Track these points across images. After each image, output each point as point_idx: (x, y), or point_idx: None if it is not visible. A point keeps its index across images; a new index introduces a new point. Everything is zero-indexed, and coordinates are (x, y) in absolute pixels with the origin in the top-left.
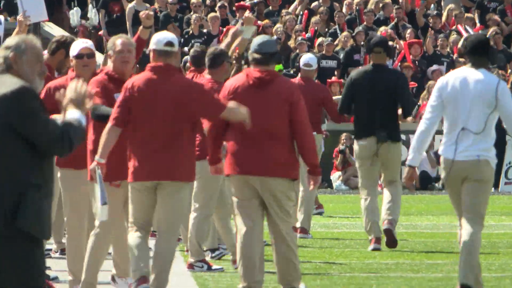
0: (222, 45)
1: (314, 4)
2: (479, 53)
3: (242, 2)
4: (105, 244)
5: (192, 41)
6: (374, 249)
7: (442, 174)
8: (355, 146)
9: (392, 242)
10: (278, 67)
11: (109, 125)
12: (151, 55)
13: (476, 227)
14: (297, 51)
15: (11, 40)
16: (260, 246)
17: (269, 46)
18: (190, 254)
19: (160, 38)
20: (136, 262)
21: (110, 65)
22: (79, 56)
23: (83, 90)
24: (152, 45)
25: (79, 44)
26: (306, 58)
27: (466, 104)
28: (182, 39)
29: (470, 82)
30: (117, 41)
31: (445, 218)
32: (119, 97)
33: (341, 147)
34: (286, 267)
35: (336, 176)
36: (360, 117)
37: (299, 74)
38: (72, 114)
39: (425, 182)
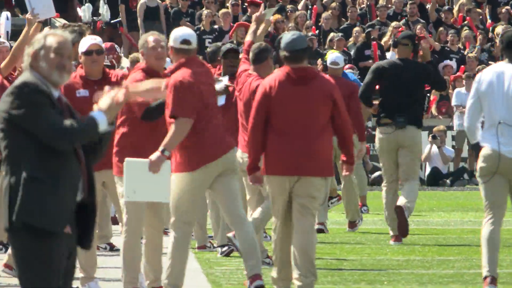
0: (250, 34)
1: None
2: None
3: None
4: (134, 246)
5: (203, 37)
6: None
7: (483, 165)
8: (376, 137)
9: (403, 228)
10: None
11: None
12: (170, 52)
13: None
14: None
15: (35, 37)
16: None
17: (300, 42)
18: None
19: (177, 35)
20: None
21: (142, 62)
22: (88, 53)
23: (119, 99)
24: (170, 42)
25: (88, 41)
26: (333, 56)
27: (502, 98)
28: None
29: (506, 77)
30: (149, 38)
31: (456, 214)
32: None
33: None
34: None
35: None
36: (386, 104)
37: (327, 72)
38: (96, 114)
39: (437, 178)
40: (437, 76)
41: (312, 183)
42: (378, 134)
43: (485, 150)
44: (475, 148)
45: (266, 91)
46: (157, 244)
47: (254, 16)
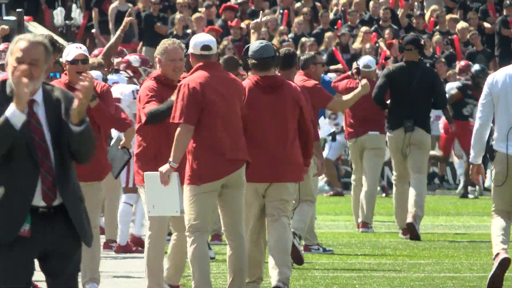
0: (253, 41)
1: (297, 5)
2: None
3: (228, 3)
4: (158, 252)
5: None
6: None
7: (497, 168)
8: (387, 137)
9: (414, 236)
10: None
11: (182, 125)
12: (190, 57)
13: None
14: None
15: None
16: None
17: (267, 51)
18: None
19: (197, 42)
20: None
21: (158, 69)
22: (73, 62)
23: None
24: (190, 49)
25: (74, 50)
26: (365, 60)
27: None
28: None
29: None
30: (169, 48)
31: (427, 218)
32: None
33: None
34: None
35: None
36: (395, 109)
37: (359, 76)
38: (9, 111)
39: None
40: (440, 88)
41: (286, 188)
42: (388, 134)
43: (497, 155)
44: (489, 151)
45: None
46: (183, 246)
47: (252, 24)
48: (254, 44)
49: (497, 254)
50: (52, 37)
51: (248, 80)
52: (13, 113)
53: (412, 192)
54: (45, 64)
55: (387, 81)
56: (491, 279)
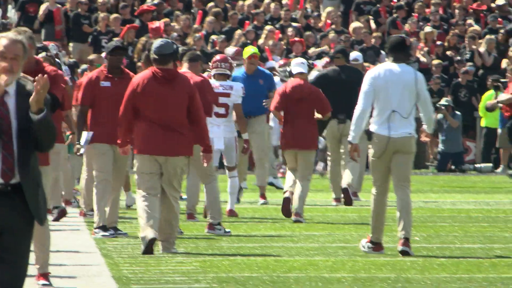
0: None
1: (210, 5)
2: (398, 50)
3: (144, 6)
4: None
5: (100, 37)
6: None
7: (375, 147)
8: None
9: (348, 201)
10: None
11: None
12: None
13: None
14: (195, 46)
15: None
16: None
17: (167, 48)
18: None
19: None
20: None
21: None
22: None
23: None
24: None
25: None
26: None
27: (396, 91)
28: (91, 36)
29: (395, 74)
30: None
31: (322, 195)
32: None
33: None
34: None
35: None
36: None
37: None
38: None
39: None
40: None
41: (178, 161)
42: (328, 126)
43: (376, 136)
44: (367, 133)
45: (134, 88)
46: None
47: None
48: (157, 41)
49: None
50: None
51: (147, 71)
52: None
53: (347, 172)
54: (23, 60)
55: (322, 81)
56: None
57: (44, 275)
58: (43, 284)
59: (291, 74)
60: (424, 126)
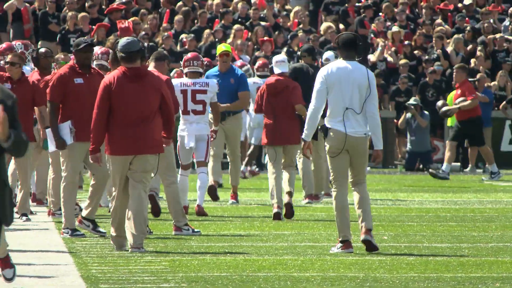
0: None
1: (179, 4)
2: (349, 47)
3: (113, 5)
4: None
5: (68, 36)
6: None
7: (332, 143)
8: None
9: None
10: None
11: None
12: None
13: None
14: (163, 45)
15: None
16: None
17: (134, 45)
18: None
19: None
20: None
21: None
22: None
23: None
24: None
25: None
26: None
27: (349, 89)
28: (59, 35)
29: (347, 71)
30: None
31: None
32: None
33: None
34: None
35: None
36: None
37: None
38: None
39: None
40: None
41: (147, 159)
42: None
43: (333, 133)
44: (323, 130)
45: (108, 87)
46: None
47: None
48: (123, 39)
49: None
50: None
51: (117, 70)
52: None
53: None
54: None
55: (294, 74)
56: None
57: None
58: None
59: (271, 72)
60: (374, 143)
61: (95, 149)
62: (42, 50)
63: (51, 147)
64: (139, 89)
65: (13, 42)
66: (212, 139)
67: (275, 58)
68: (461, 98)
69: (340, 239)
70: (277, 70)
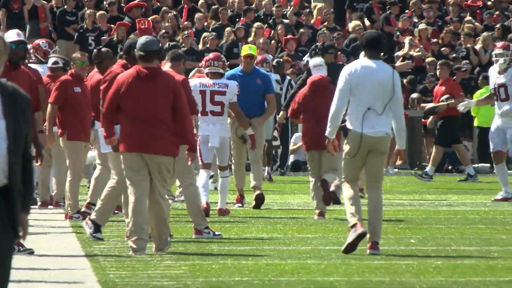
0: None
1: (201, 2)
2: (373, 46)
3: (133, 2)
4: None
5: (86, 35)
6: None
7: (350, 144)
8: None
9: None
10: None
11: None
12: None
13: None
14: (183, 44)
15: None
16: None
17: (152, 45)
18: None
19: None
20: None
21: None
22: None
23: None
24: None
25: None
26: (314, 61)
27: (372, 89)
28: (77, 33)
29: (371, 70)
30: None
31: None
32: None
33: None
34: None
35: None
36: None
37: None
38: None
39: (298, 166)
40: None
41: (160, 161)
42: None
43: (351, 133)
44: (343, 129)
45: (119, 85)
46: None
47: None
48: (142, 38)
49: (355, 225)
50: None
51: (132, 69)
52: None
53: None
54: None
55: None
56: (347, 247)
57: None
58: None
59: (309, 74)
60: (397, 143)
61: (109, 136)
62: (104, 50)
63: (105, 147)
64: (149, 88)
65: (38, 41)
66: (252, 149)
67: (312, 62)
68: (446, 96)
69: (350, 225)
70: (317, 74)
